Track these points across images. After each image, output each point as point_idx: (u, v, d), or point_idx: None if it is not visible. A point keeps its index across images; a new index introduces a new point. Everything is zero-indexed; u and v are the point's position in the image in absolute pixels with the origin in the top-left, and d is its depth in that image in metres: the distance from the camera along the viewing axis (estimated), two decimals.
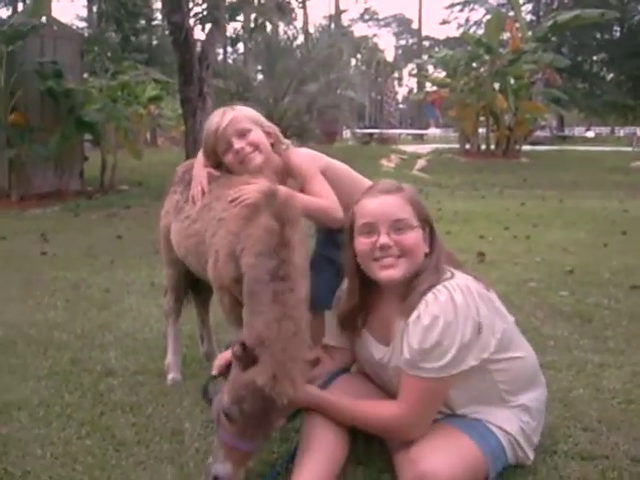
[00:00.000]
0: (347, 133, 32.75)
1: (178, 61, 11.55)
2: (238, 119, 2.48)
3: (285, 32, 20.87)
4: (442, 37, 50.61)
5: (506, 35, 18.46)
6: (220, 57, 26.97)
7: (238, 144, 2.44)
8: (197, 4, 12.17)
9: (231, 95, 15.65)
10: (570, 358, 3.10)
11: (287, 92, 16.24)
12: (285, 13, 16.08)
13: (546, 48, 18.71)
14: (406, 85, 63.79)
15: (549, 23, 17.85)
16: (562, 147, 21.96)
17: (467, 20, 45.14)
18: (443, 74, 20.34)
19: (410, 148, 21.18)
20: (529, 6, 36.06)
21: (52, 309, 4.06)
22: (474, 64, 17.66)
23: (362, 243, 1.99)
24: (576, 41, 31.93)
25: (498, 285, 3.90)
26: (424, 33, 53.24)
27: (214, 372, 2.04)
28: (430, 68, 29.59)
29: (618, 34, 34.06)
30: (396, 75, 49.75)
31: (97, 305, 4.15)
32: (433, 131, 41.06)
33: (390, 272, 1.96)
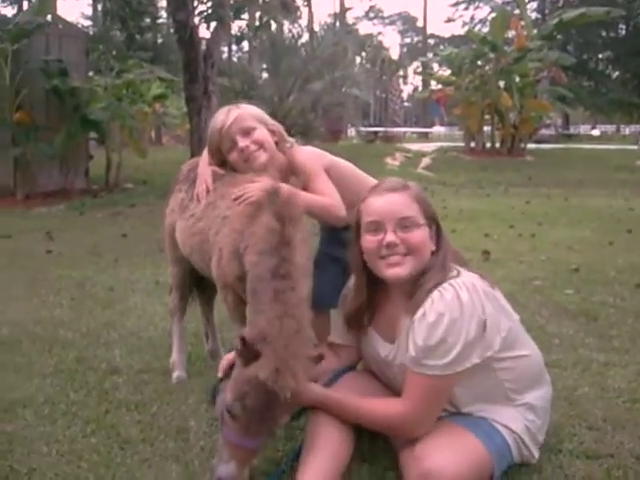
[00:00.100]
0: (352, 131, 32.62)
1: (183, 59, 11.54)
2: (243, 117, 2.48)
3: (290, 30, 20.95)
4: (447, 35, 50.50)
5: (511, 33, 18.39)
6: (225, 55, 26.98)
7: (243, 142, 2.44)
8: (202, 2, 12.22)
9: (236, 93, 15.63)
10: (575, 356, 3.10)
11: (292, 90, 16.21)
12: (290, 11, 16.14)
13: (551, 46, 18.63)
14: (411, 83, 63.72)
15: (554, 21, 17.80)
16: (567, 145, 21.84)
17: (472, 18, 45.22)
18: (448, 72, 20.24)
19: (415, 146, 21.12)
20: (534, 4, 35.92)
21: (57, 307, 4.07)
22: (479, 62, 17.58)
23: (368, 241, 1.99)
24: (582, 39, 31.80)
25: (503, 283, 3.89)
26: (429, 31, 53.35)
27: (219, 374, 2.04)
28: (435, 66, 29.44)
29: (624, 32, 33.89)
30: (401, 73, 49.59)
31: (102, 303, 4.16)
32: (438, 129, 40.89)
33: (397, 270, 1.95)
